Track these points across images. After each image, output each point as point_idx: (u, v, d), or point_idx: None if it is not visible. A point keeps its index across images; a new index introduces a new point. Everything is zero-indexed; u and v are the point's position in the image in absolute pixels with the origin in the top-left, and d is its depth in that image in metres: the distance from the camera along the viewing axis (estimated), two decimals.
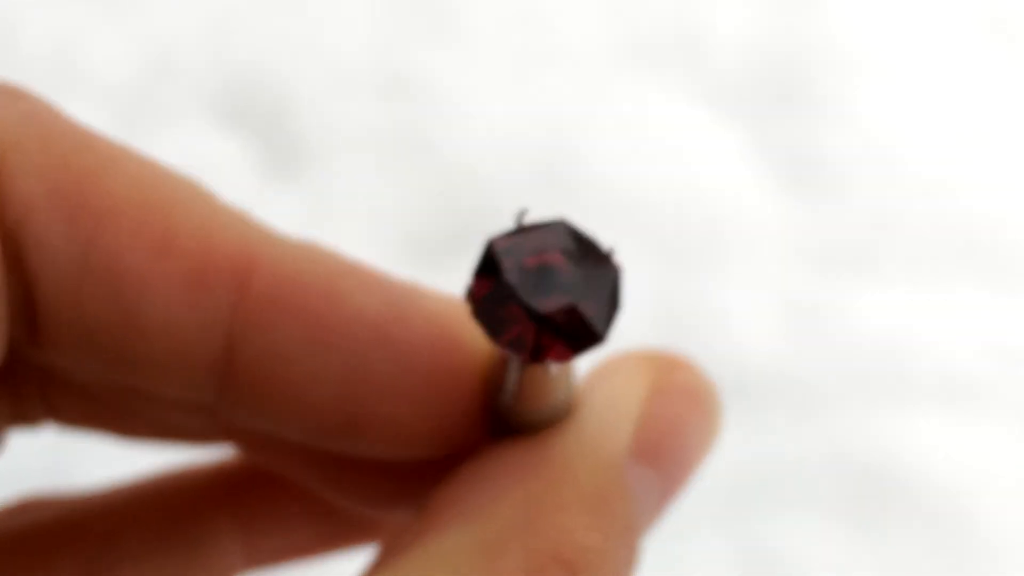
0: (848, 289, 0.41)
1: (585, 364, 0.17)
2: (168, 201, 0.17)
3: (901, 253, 0.42)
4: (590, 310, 0.15)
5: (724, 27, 0.47)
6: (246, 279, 0.17)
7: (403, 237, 0.42)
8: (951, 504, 0.38)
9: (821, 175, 0.44)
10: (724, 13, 0.47)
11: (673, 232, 0.42)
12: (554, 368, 0.16)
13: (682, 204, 0.43)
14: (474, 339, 0.18)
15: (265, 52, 0.45)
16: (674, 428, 0.19)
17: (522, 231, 0.16)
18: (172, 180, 0.18)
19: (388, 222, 0.42)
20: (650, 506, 0.18)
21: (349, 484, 0.21)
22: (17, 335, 0.18)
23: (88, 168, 0.17)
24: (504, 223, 0.42)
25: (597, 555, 0.16)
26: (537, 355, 0.15)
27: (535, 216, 0.16)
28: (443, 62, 0.46)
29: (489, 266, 0.15)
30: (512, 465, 0.17)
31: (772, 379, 0.40)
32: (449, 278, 0.41)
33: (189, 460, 0.24)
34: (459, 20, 0.46)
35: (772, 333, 0.40)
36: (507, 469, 0.17)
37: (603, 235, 0.16)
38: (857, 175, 0.44)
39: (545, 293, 0.15)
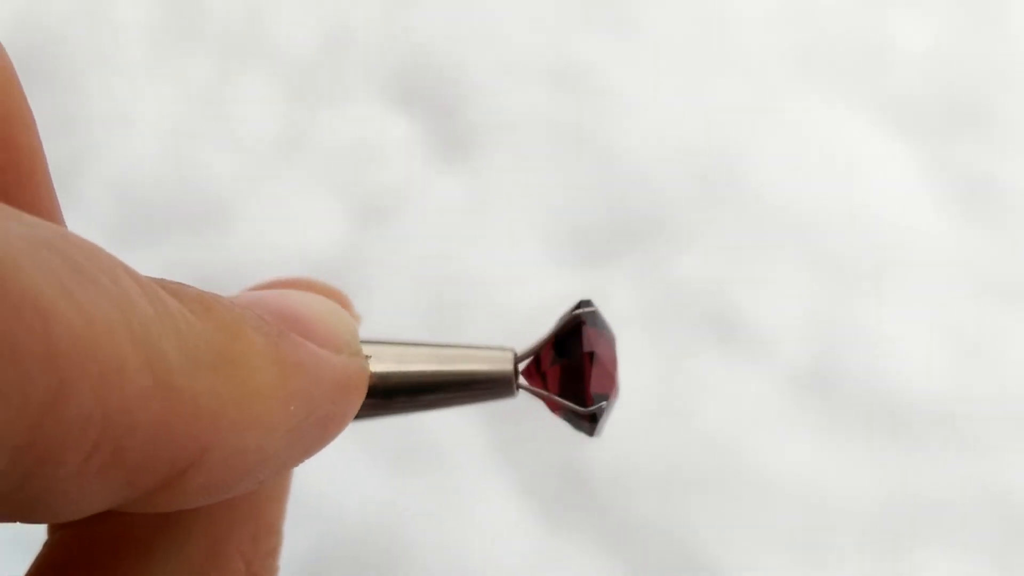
0: (1018, 321, 0.40)
1: None
2: None
3: None
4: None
5: (906, 43, 0.45)
6: None
7: (562, 230, 0.42)
8: None
9: (999, 201, 0.42)
10: (907, 29, 0.45)
11: (836, 250, 0.41)
12: None
13: (848, 221, 0.42)
14: None
15: (441, 36, 0.46)
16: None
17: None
18: None
19: (548, 214, 0.42)
20: None
21: None
22: None
23: None
24: (664, 223, 0.41)
25: None
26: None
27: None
28: (616, 57, 0.45)
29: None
30: None
31: (930, 410, 0.38)
32: (606, 274, 0.41)
33: None
34: (636, 17, 0.46)
35: (935, 362, 0.39)
36: None
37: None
38: None
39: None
